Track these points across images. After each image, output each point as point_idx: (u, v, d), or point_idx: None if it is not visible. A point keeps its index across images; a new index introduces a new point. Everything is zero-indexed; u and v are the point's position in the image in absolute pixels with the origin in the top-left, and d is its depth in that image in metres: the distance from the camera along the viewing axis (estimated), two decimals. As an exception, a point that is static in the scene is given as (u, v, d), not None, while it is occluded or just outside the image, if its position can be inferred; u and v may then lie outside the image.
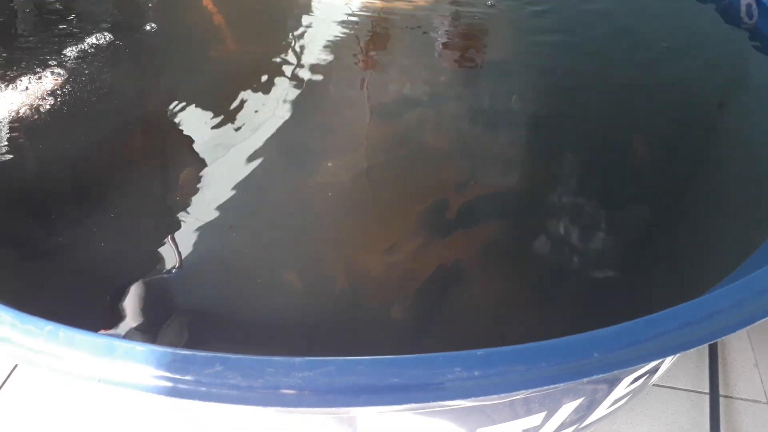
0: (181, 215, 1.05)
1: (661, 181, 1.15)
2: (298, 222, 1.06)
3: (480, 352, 0.56)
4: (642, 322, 0.59)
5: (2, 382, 1.22)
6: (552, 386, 0.56)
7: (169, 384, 0.56)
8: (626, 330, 0.58)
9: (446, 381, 0.55)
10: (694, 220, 1.06)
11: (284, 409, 0.56)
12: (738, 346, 1.32)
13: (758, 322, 0.61)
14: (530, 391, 0.57)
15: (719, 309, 0.60)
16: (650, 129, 1.26)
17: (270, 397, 0.55)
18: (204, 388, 0.56)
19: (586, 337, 0.57)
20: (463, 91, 1.39)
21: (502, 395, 0.57)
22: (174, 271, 0.96)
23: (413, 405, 0.59)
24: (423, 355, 0.56)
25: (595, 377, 0.60)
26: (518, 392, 0.56)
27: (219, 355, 0.57)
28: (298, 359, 0.56)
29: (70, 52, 1.40)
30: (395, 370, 0.55)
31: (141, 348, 0.58)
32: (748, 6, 1.49)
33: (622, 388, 0.82)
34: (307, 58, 1.45)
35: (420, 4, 1.68)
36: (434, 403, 0.58)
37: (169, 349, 0.57)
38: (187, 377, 0.56)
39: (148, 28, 1.53)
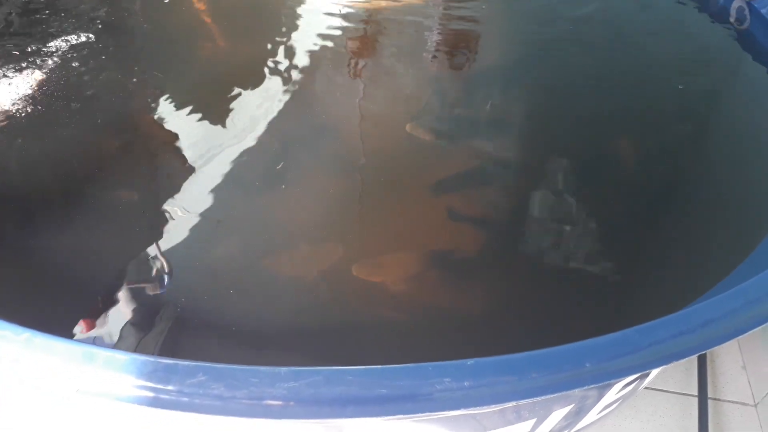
0: (169, 216, 1.03)
1: (652, 188, 1.14)
2: (287, 226, 1.04)
3: (470, 362, 0.55)
4: (634, 331, 0.58)
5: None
6: (543, 397, 0.55)
7: (151, 394, 0.54)
8: (618, 340, 0.57)
9: (436, 392, 0.54)
10: (686, 225, 1.06)
11: (269, 419, 0.54)
12: (726, 349, 1.32)
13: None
14: (520, 401, 0.56)
15: (712, 318, 0.59)
16: (641, 133, 1.26)
17: (255, 408, 0.53)
18: (186, 399, 0.54)
19: (577, 346, 0.56)
20: (453, 92, 1.38)
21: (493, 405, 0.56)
22: (160, 274, 0.94)
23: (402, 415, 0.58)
24: (412, 365, 0.55)
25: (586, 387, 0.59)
26: (508, 403, 0.55)
27: (202, 364, 0.55)
28: (283, 369, 0.54)
29: (56, 50, 1.37)
30: (384, 381, 0.53)
31: (122, 356, 0.56)
32: (740, 9, 1.49)
33: (613, 394, 0.81)
34: (296, 57, 1.44)
35: (412, 2, 1.66)
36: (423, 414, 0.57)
37: (150, 358, 0.56)
38: (169, 387, 0.54)
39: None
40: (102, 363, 0.56)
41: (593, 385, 0.55)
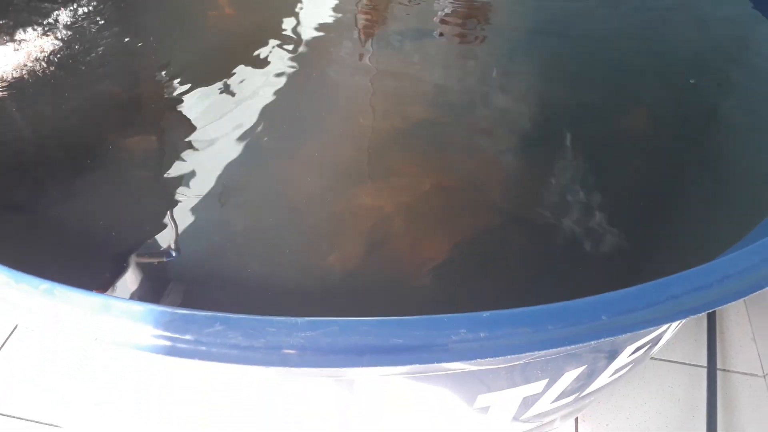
0: (175, 184, 1.03)
1: (668, 150, 1.13)
2: (292, 195, 1.04)
3: (486, 313, 0.55)
4: (652, 285, 0.58)
5: (2, 342, 1.21)
6: (558, 349, 0.55)
7: (168, 343, 0.55)
8: (635, 293, 0.57)
9: (451, 342, 0.54)
10: (701, 187, 1.05)
11: (285, 369, 0.55)
12: (736, 320, 1.32)
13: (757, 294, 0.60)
14: (535, 354, 0.56)
15: (729, 274, 0.59)
16: (652, 102, 1.25)
17: (272, 357, 0.53)
18: (204, 348, 0.54)
19: (594, 300, 0.56)
20: (462, 63, 1.37)
21: (507, 358, 0.56)
22: (169, 241, 0.94)
23: (415, 368, 0.58)
24: (428, 316, 0.55)
25: (598, 343, 0.59)
26: (524, 355, 0.55)
27: (219, 314, 0.56)
28: (300, 319, 0.54)
29: (63, 18, 1.37)
30: (400, 331, 0.54)
31: (139, 307, 0.56)
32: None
33: (624, 357, 0.81)
34: (305, 27, 1.42)
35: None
36: (437, 366, 0.57)
37: (167, 308, 0.56)
38: (187, 336, 0.55)
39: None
40: (120, 312, 0.56)
41: (608, 338, 0.55)
